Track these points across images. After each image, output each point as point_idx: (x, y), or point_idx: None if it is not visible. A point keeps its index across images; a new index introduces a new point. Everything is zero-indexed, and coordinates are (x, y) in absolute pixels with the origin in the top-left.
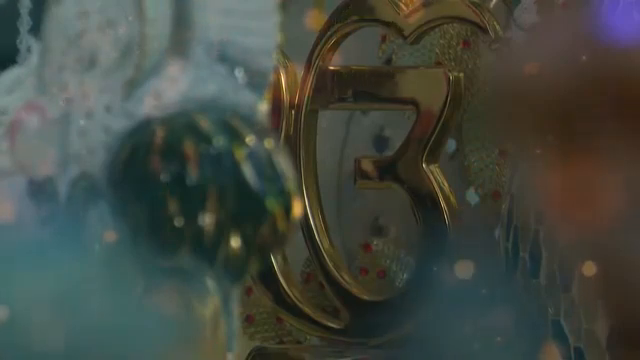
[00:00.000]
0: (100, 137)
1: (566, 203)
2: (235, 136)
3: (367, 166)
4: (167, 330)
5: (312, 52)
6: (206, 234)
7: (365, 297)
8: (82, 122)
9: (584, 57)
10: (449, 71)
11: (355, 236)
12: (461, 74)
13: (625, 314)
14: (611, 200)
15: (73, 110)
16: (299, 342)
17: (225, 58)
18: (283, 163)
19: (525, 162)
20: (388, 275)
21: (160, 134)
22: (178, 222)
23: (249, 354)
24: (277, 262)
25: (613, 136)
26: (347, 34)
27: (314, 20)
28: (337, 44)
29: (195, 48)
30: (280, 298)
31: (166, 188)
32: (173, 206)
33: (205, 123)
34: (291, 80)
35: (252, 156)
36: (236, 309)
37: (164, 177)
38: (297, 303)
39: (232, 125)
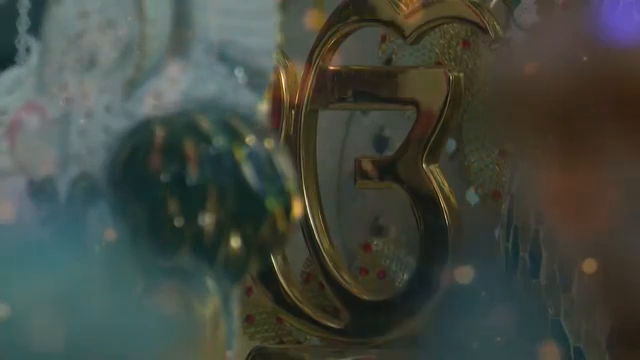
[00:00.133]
0: (100, 137)
1: (566, 203)
2: (235, 136)
3: (367, 166)
4: (167, 330)
5: (312, 52)
6: (206, 234)
7: (365, 297)
8: (82, 122)
9: (584, 57)
10: (449, 71)
11: (355, 236)
12: (461, 74)
13: (625, 314)
14: (611, 200)
15: (73, 110)
16: (299, 342)
17: (225, 58)
18: (283, 163)
19: (525, 162)
20: (388, 275)
21: (160, 134)
22: (178, 222)
23: (249, 354)
24: (277, 262)
25: (613, 136)
26: (347, 34)
27: (314, 20)
28: (337, 44)
29: (195, 48)
30: (280, 298)
31: (166, 188)
32: (173, 206)
33: (205, 123)
34: (291, 80)
35: (252, 156)
36: (236, 309)
37: (164, 177)
38: (297, 303)
39: (232, 125)
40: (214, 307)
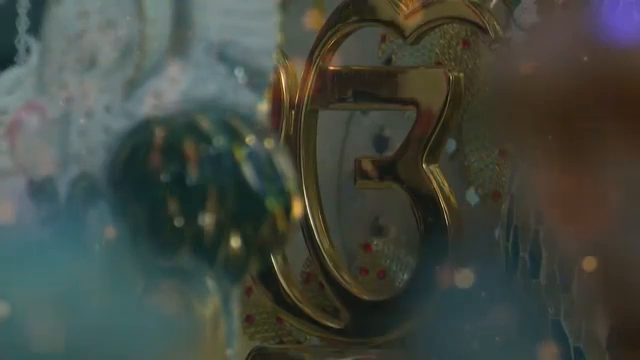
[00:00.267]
0: (100, 137)
1: (566, 203)
2: (235, 136)
3: (367, 166)
4: (167, 330)
5: (312, 52)
6: (206, 234)
7: (365, 297)
8: (82, 122)
9: (584, 57)
10: (449, 71)
11: (355, 236)
12: (461, 74)
13: (625, 314)
14: (611, 200)
15: (73, 110)
16: (299, 342)
17: (225, 58)
18: (283, 163)
19: (525, 162)
20: (388, 275)
21: (160, 134)
22: (178, 222)
23: (249, 354)
24: (277, 262)
25: (613, 136)
26: (347, 34)
27: (314, 20)
28: (337, 44)
29: (195, 48)
30: (280, 298)
31: (166, 188)
32: (173, 206)
33: (205, 123)
34: (291, 80)
35: (252, 156)
36: (236, 309)
37: (164, 177)
38: (297, 303)
39: (232, 125)
40: (214, 307)
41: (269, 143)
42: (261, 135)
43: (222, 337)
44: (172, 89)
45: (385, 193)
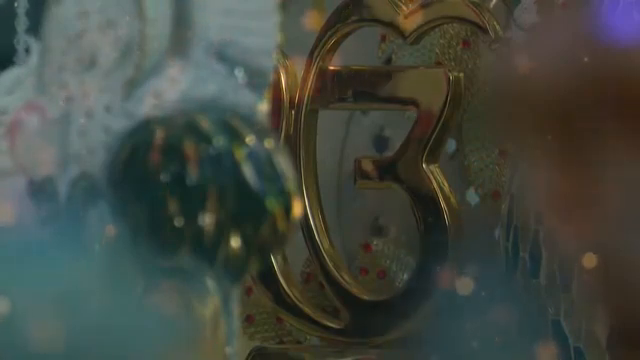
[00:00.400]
0: (100, 137)
1: (566, 203)
2: (235, 136)
3: (367, 166)
4: (167, 330)
5: (312, 52)
6: (206, 234)
7: (365, 297)
8: (82, 122)
9: (584, 57)
10: (449, 71)
11: (355, 236)
12: (461, 74)
13: (625, 314)
14: (611, 200)
15: (73, 110)
16: (299, 342)
17: (225, 58)
18: (283, 163)
19: (525, 162)
20: (388, 275)
21: (160, 134)
22: (178, 222)
23: (249, 354)
24: (277, 262)
25: (613, 136)
26: (347, 34)
27: (314, 20)
28: (337, 44)
29: (195, 48)
30: (280, 298)
31: (166, 188)
32: (173, 206)
33: (205, 123)
34: (291, 80)
35: (252, 156)
36: (236, 309)
37: (164, 177)
38: (297, 303)
39: (232, 125)
40: (214, 307)
41: (269, 143)
42: (261, 135)
43: (222, 337)
44: (172, 89)
45: (385, 193)
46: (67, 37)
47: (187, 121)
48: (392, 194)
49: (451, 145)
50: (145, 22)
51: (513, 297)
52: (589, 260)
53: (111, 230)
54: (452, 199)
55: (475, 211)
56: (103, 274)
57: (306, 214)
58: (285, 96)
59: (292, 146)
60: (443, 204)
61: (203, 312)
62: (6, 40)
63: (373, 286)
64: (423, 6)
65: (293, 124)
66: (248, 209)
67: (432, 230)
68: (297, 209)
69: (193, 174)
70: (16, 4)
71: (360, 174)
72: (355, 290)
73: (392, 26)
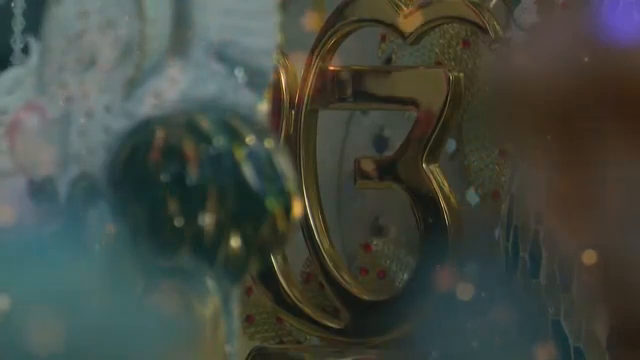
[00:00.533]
0: (100, 137)
1: (566, 203)
2: (235, 136)
3: (367, 166)
4: (167, 330)
5: (312, 52)
6: (206, 234)
7: (365, 297)
8: (82, 122)
9: (584, 57)
10: (449, 71)
11: (355, 236)
12: (461, 74)
13: (625, 314)
14: (611, 200)
15: (73, 110)
16: (299, 342)
17: (225, 58)
18: (283, 163)
19: (525, 162)
20: (388, 275)
21: (160, 134)
22: (178, 222)
23: (249, 354)
24: (277, 262)
25: (613, 136)
26: (347, 34)
27: (313, 21)
28: (337, 44)
29: (195, 48)
30: (280, 298)
31: (166, 188)
32: (173, 206)
33: (205, 123)
34: (291, 80)
35: (252, 156)
36: (236, 309)
37: (164, 177)
38: (297, 303)
39: (232, 125)
40: (214, 307)
41: (269, 143)
42: (261, 135)
43: (222, 337)
44: (172, 89)
45: (385, 193)
46: (67, 37)
47: (187, 121)
48: (392, 194)
49: (451, 145)
50: (145, 22)
51: (513, 297)
52: (589, 257)
53: (111, 230)
54: (452, 199)
55: (475, 211)
56: (103, 274)
57: (306, 214)
58: (285, 96)
59: (292, 146)
60: (443, 204)
61: (203, 312)
62: (3, 40)
63: (373, 286)
64: (423, 6)
65: (293, 124)
66: (248, 209)
67: (432, 230)
68: (297, 209)
69: (193, 174)
70: (13, 4)
71: (360, 174)
72: (355, 290)
73: (392, 26)
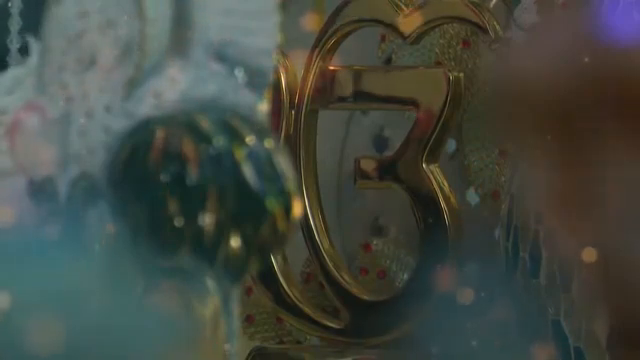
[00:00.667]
0: (100, 137)
1: (566, 203)
2: (235, 136)
3: (367, 166)
4: (167, 330)
5: (312, 52)
6: (206, 234)
7: (365, 297)
8: (82, 122)
9: (584, 57)
10: (449, 71)
11: (355, 236)
12: (461, 74)
13: (625, 314)
14: (611, 200)
15: (73, 110)
16: (299, 342)
17: (225, 58)
18: (283, 163)
19: (525, 162)
20: (388, 275)
21: (160, 134)
22: (178, 222)
23: (249, 354)
24: (277, 262)
25: (613, 136)
26: (347, 34)
27: (313, 21)
28: (337, 44)
29: (195, 48)
30: (280, 298)
31: (166, 188)
32: (173, 206)
33: (205, 123)
34: (291, 80)
35: (252, 156)
36: (236, 309)
37: (164, 177)
38: (297, 303)
39: (232, 125)
40: (214, 307)
41: (269, 143)
42: (261, 135)
43: (222, 337)
44: (172, 89)
45: (385, 193)
46: (67, 37)
47: (187, 121)
48: (392, 194)
49: (451, 145)
50: (145, 22)
51: (513, 297)
52: (589, 255)
53: (111, 230)
54: (452, 199)
55: (475, 211)
56: (103, 274)
57: (306, 214)
58: (285, 96)
59: (292, 146)
60: (443, 204)
61: (203, 312)
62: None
63: (373, 286)
64: (423, 6)
65: (293, 124)
66: (248, 209)
67: (432, 230)
68: (297, 209)
69: (193, 174)
70: (9, 4)
71: (360, 174)
72: (355, 290)
73: (392, 26)
